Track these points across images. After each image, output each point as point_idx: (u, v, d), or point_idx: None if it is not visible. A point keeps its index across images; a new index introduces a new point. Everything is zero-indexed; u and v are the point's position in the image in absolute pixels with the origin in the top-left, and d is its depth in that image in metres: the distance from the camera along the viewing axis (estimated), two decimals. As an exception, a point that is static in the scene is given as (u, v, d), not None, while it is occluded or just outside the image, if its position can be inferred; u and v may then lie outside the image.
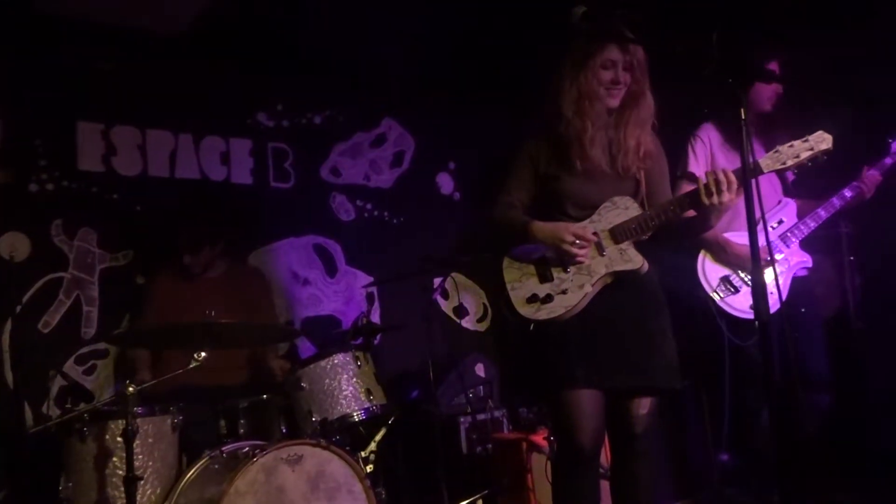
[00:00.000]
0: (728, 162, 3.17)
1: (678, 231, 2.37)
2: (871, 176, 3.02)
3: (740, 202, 3.08)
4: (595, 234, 2.31)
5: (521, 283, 2.34)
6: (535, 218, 2.36)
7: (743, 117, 1.75)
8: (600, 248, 2.30)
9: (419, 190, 4.85)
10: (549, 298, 2.29)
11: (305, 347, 4.23)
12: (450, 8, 3.72)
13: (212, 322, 2.73)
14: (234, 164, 4.26)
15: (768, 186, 3.13)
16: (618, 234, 2.30)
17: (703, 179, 2.16)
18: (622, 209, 2.33)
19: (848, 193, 3.03)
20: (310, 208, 4.48)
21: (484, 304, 4.87)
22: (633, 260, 2.30)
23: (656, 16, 2.11)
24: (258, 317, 3.61)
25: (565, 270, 2.31)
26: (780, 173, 3.16)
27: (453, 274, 4.29)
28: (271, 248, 4.33)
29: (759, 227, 2.92)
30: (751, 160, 1.83)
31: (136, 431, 2.53)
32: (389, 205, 4.73)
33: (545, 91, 2.38)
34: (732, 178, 2.13)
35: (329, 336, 4.25)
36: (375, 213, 4.70)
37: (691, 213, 2.28)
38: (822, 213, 3.05)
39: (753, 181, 1.81)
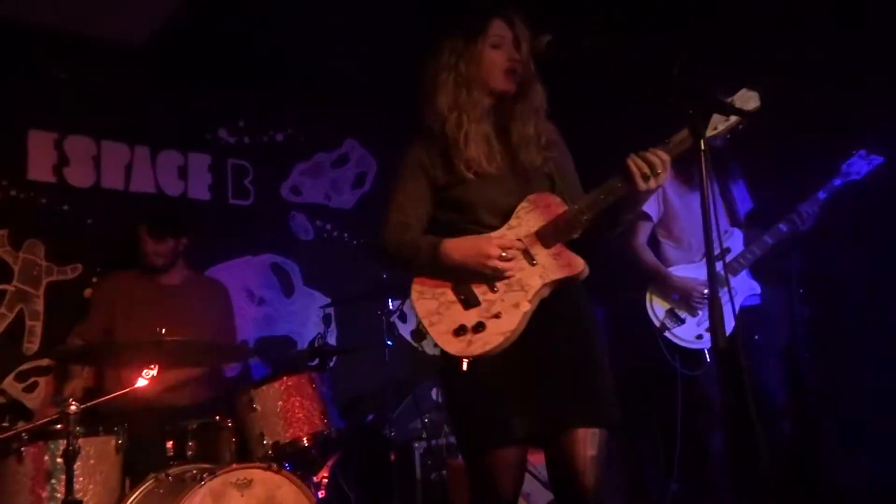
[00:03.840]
0: (678, 195, 3.25)
1: (605, 224, 2.04)
2: (807, 211, 3.08)
3: (693, 237, 3.20)
4: (519, 240, 1.96)
5: (440, 315, 1.93)
6: (440, 235, 1.99)
7: (703, 148, 1.67)
8: (529, 257, 1.95)
9: (380, 211, 4.80)
10: (480, 327, 1.89)
11: (259, 368, 4.15)
12: (415, 29, 3.73)
13: (161, 339, 2.65)
14: (191, 178, 4.20)
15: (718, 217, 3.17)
16: (546, 237, 1.96)
17: (633, 164, 1.87)
18: (543, 207, 1.99)
19: (783, 228, 3.09)
20: (268, 227, 4.43)
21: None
22: (571, 264, 1.95)
23: (621, 45, 2.06)
24: (215, 330, 3.49)
25: (492, 289, 1.93)
26: (730, 202, 3.27)
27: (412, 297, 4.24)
28: (227, 266, 4.25)
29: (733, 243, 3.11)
30: (710, 197, 1.66)
31: (78, 452, 2.42)
32: (350, 225, 4.70)
33: (421, 88, 2.09)
34: (664, 154, 1.86)
35: (284, 357, 4.19)
36: (335, 233, 4.66)
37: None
38: (768, 240, 3.10)
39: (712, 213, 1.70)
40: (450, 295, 1.95)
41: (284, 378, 3.01)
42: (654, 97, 1.75)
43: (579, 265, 1.95)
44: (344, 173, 4.78)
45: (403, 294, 4.01)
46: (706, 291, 2.96)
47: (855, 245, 3.44)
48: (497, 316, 1.90)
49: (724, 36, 3.54)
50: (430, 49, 2.10)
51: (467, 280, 1.95)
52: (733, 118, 1.85)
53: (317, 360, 3.42)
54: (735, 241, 3.17)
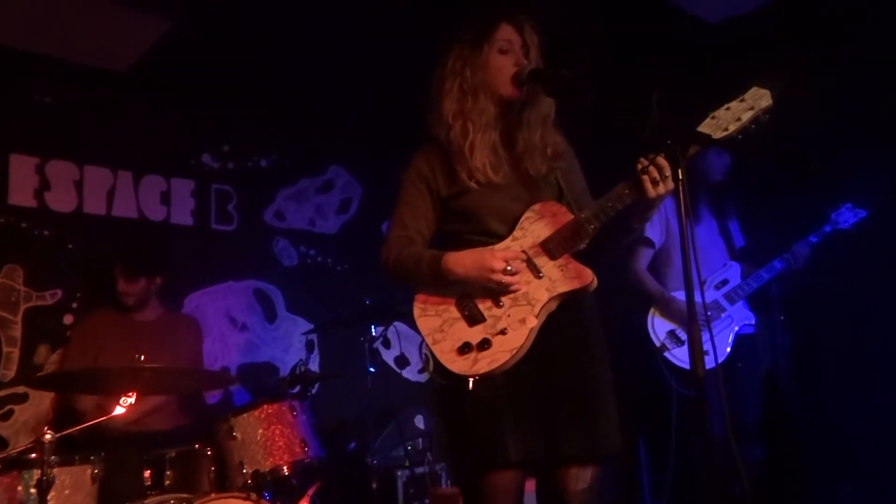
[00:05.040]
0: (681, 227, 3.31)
1: (614, 234, 1.97)
2: (801, 251, 3.24)
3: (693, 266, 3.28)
4: (524, 252, 1.89)
5: (444, 333, 1.86)
6: (444, 249, 1.92)
7: (681, 177, 1.67)
8: (535, 270, 1.87)
9: (365, 237, 4.81)
10: (486, 344, 1.82)
11: (241, 395, 4.11)
12: (400, 55, 3.75)
13: (140, 367, 2.61)
14: (174, 204, 4.18)
15: (714, 250, 3.32)
16: (552, 248, 1.88)
17: (642, 170, 1.80)
18: (549, 217, 1.91)
19: (778, 265, 3.23)
20: (252, 252, 4.41)
21: (426, 354, 4.80)
22: (580, 275, 1.87)
23: (600, 76, 2.05)
24: (186, 362, 3.50)
25: (497, 304, 1.86)
26: (728, 237, 3.39)
27: (396, 323, 4.14)
28: (209, 292, 4.23)
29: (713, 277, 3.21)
30: (689, 230, 1.66)
31: (52, 482, 2.36)
32: (334, 251, 4.69)
33: (427, 97, 2.05)
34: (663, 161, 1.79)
35: (265, 384, 4.15)
36: (319, 259, 4.66)
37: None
38: (764, 275, 3.24)
39: (690, 236, 1.67)
40: (453, 311, 1.88)
41: (265, 406, 2.98)
42: (632, 128, 1.71)
43: (588, 276, 1.87)
44: (329, 199, 4.78)
45: (387, 320, 4.06)
46: (709, 314, 3.09)
47: (835, 273, 3.51)
48: (503, 332, 1.83)
49: (706, 78, 3.62)
50: (439, 56, 2.05)
51: (471, 295, 1.88)
52: (746, 117, 1.80)
53: (298, 388, 3.37)
54: (733, 274, 3.31)
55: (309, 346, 4.28)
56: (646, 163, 1.79)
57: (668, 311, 3.22)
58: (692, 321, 1.65)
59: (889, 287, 3.51)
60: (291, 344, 4.43)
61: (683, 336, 3.17)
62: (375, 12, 3.49)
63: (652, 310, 3.25)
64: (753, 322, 3.30)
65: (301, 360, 3.57)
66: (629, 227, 1.96)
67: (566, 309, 1.89)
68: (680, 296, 3.22)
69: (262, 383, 4.16)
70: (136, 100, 4.08)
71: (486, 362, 1.82)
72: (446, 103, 1.98)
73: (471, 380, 1.82)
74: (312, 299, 4.51)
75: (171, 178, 4.20)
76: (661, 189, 1.79)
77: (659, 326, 3.22)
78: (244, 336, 4.30)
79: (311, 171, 4.73)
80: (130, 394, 2.54)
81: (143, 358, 2.65)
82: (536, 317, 1.83)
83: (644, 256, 3.35)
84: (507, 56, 1.96)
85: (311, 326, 4.35)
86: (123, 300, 3.46)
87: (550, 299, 1.85)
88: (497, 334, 1.83)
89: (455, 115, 1.96)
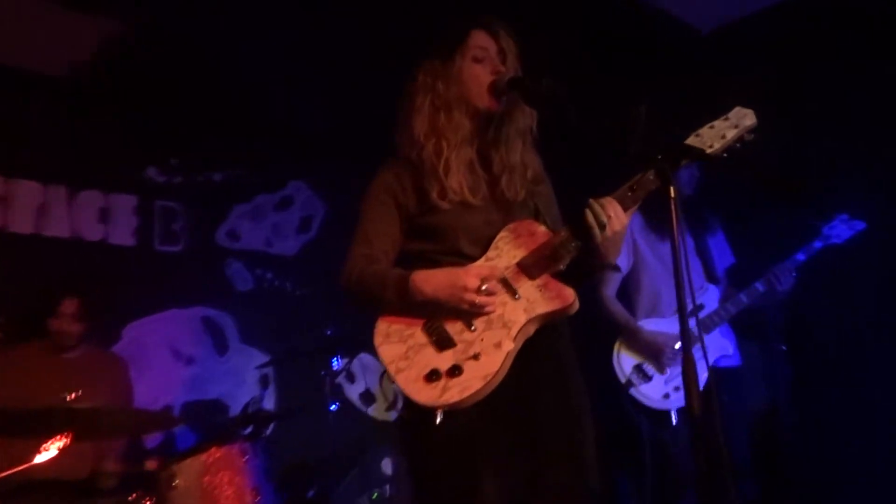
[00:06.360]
0: (648, 246, 3.23)
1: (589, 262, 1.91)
2: (783, 272, 3.06)
3: (664, 289, 3.16)
4: (498, 272, 1.83)
5: (409, 360, 1.75)
6: (410, 268, 1.84)
7: (672, 195, 1.59)
8: (511, 291, 1.78)
9: (327, 260, 4.57)
10: (456, 370, 1.71)
11: (185, 436, 3.92)
12: (364, 68, 3.66)
13: (70, 407, 2.48)
14: (114, 222, 4.02)
15: (691, 271, 3.12)
16: (530, 267, 1.80)
17: (589, 216, 1.75)
18: (527, 236, 1.84)
19: (759, 288, 3.06)
20: (200, 276, 4.27)
21: (394, 391, 4.65)
22: (560, 295, 1.77)
23: (583, 89, 1.83)
24: (116, 402, 3.29)
25: (469, 328, 1.75)
26: (706, 257, 3.25)
27: (361, 355, 4.06)
28: (151, 321, 4.05)
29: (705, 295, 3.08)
30: (680, 244, 1.59)
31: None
32: (293, 274, 4.55)
33: (396, 117, 1.98)
34: (611, 207, 1.76)
35: (213, 424, 3.99)
36: (276, 283, 4.51)
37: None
38: (744, 299, 3.07)
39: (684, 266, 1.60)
40: (420, 336, 1.78)
41: (212, 449, 2.84)
42: (617, 143, 1.64)
43: (569, 297, 1.77)
44: (288, 217, 4.65)
45: (351, 352, 3.91)
46: (678, 347, 2.96)
47: (836, 302, 3.38)
48: (476, 357, 1.72)
49: (694, 90, 3.57)
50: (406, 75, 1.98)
51: (440, 318, 1.78)
52: (730, 135, 1.78)
53: (250, 428, 3.28)
54: (710, 298, 3.13)
55: (264, 381, 4.13)
56: (595, 206, 1.75)
57: (635, 343, 3.08)
58: (686, 352, 1.52)
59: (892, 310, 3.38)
60: (244, 379, 4.28)
61: (650, 371, 3.03)
62: (342, 20, 3.39)
63: (617, 343, 3.11)
64: (731, 352, 3.15)
65: (255, 396, 3.61)
66: (597, 264, 1.91)
67: (543, 337, 1.81)
68: (648, 325, 3.10)
69: (209, 423, 4.00)
70: (73, 106, 3.91)
71: (456, 390, 1.69)
72: (417, 121, 1.91)
73: (439, 412, 1.70)
74: (268, 328, 4.37)
75: (111, 194, 4.04)
76: (608, 232, 1.75)
77: (625, 361, 3.07)
78: (190, 370, 4.13)
79: (268, 186, 4.62)
80: (60, 437, 2.42)
81: (74, 396, 2.52)
82: (513, 340, 1.74)
83: (612, 282, 3.23)
84: (482, 64, 1.90)
85: (267, 359, 4.23)
86: (60, 339, 3.24)
87: (529, 321, 1.76)
88: (469, 359, 1.73)
89: (427, 133, 1.89)
